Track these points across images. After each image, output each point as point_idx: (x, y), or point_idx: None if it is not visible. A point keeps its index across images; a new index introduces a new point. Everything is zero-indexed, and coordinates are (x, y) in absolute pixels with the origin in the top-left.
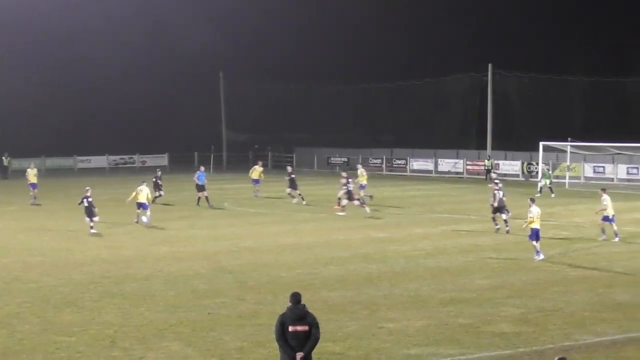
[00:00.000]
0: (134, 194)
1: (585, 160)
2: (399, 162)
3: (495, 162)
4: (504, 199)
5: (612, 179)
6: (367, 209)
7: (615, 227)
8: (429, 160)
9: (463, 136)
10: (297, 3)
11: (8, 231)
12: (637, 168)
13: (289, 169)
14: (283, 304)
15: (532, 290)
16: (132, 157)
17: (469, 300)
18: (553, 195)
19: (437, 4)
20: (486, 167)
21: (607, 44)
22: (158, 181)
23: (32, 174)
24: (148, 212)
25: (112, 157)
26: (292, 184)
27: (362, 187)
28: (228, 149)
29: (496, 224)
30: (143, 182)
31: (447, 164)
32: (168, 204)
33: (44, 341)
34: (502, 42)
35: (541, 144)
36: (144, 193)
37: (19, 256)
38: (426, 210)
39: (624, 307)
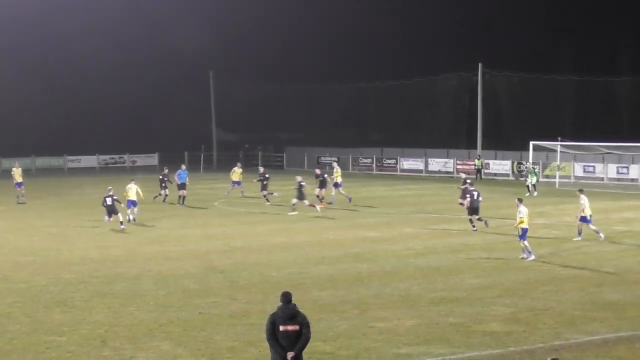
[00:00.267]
0: (124, 193)
1: (575, 160)
2: (389, 161)
3: (486, 161)
4: (480, 199)
5: (602, 179)
6: (318, 207)
7: (593, 227)
8: (419, 159)
9: (453, 136)
10: (287, 2)
11: None
12: (627, 167)
13: (261, 169)
14: (274, 304)
15: (522, 290)
16: (122, 157)
17: (459, 300)
18: (535, 193)
19: (426, 4)
20: (476, 167)
21: (597, 44)
22: (165, 179)
23: (17, 173)
24: (135, 210)
25: (102, 157)
26: (263, 185)
27: (337, 184)
28: (218, 149)
29: (473, 226)
30: (132, 180)
31: (437, 164)
32: (160, 204)
33: (34, 341)
34: (492, 42)
35: (531, 143)
36: (133, 191)
37: (9, 256)
38: (417, 210)
39: (614, 306)
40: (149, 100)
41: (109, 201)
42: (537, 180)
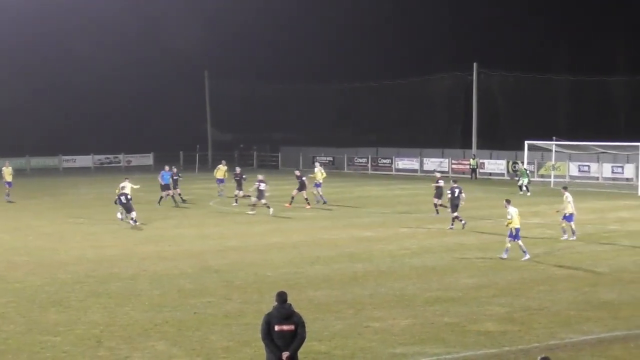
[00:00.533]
0: (117, 190)
1: (570, 159)
2: (384, 161)
3: (481, 161)
4: (461, 196)
5: (597, 178)
6: (271, 210)
7: (572, 226)
8: (414, 159)
9: (448, 135)
10: (282, 3)
11: None
12: (622, 167)
13: (238, 169)
14: (269, 303)
15: (517, 289)
16: (117, 157)
17: (454, 299)
18: (529, 194)
19: (422, 3)
20: (471, 166)
21: (592, 43)
22: (174, 178)
23: (7, 173)
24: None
25: (97, 157)
26: (238, 184)
27: (317, 185)
28: (213, 148)
29: (452, 223)
30: (126, 178)
31: (432, 163)
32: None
33: (29, 341)
34: (487, 41)
35: (526, 143)
36: (127, 189)
37: (4, 256)
38: (412, 210)
39: (609, 306)
40: (144, 100)
41: (123, 199)
42: (529, 181)
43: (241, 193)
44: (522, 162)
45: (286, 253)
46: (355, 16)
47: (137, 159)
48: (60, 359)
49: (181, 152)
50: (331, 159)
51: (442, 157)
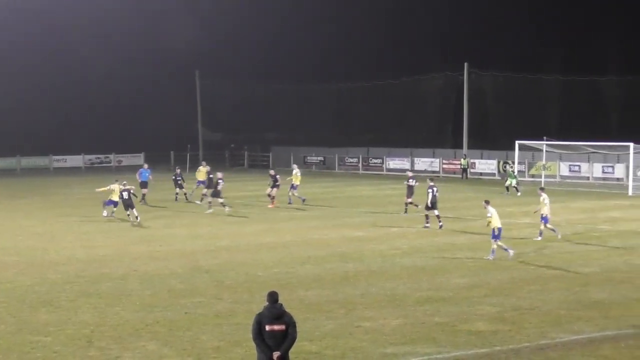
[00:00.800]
0: (105, 188)
1: (561, 159)
2: (375, 161)
3: (471, 161)
4: (437, 195)
5: (588, 178)
6: (227, 208)
7: (543, 227)
8: (405, 159)
9: (439, 135)
10: (274, 3)
11: None
12: (613, 167)
13: (177, 170)
14: (260, 303)
15: (508, 289)
16: (107, 157)
17: (445, 299)
18: (519, 194)
19: (413, 3)
20: (462, 166)
21: (583, 43)
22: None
23: None
24: (113, 208)
25: (87, 157)
26: (210, 184)
27: (293, 187)
28: (204, 148)
29: (427, 221)
30: (116, 180)
31: (423, 163)
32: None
33: (19, 341)
34: (478, 42)
35: (517, 142)
36: (117, 192)
37: None
38: (402, 209)
39: (600, 306)
40: (135, 100)
41: (125, 195)
42: (518, 182)
43: (208, 191)
44: (510, 163)
45: (277, 253)
46: (347, 16)
47: (128, 159)
48: (50, 359)
49: (172, 152)
50: (322, 158)
51: (433, 157)
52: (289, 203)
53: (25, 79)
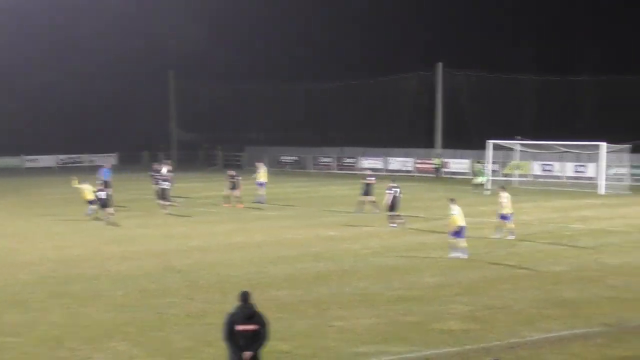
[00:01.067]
0: (78, 185)
1: (533, 159)
2: (349, 160)
3: (445, 160)
4: (399, 197)
5: (560, 177)
6: (167, 210)
7: (511, 225)
8: (379, 158)
9: (413, 135)
10: (249, 2)
11: None
12: (585, 166)
13: (169, 167)
14: (232, 303)
15: (479, 288)
16: (80, 157)
17: (417, 298)
18: (487, 193)
19: (386, 3)
20: (436, 166)
21: (557, 43)
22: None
23: None
24: (92, 207)
25: (60, 157)
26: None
27: (260, 184)
28: (178, 148)
29: (392, 222)
30: (78, 180)
31: (397, 163)
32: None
33: None
34: (452, 42)
35: (490, 142)
36: (89, 191)
37: None
38: (375, 208)
39: (570, 304)
40: (108, 100)
41: (102, 195)
42: (487, 180)
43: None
44: (481, 162)
45: (249, 253)
46: (322, 16)
47: (100, 159)
48: None
49: (145, 152)
50: (296, 158)
51: (407, 156)
52: (255, 202)
53: None
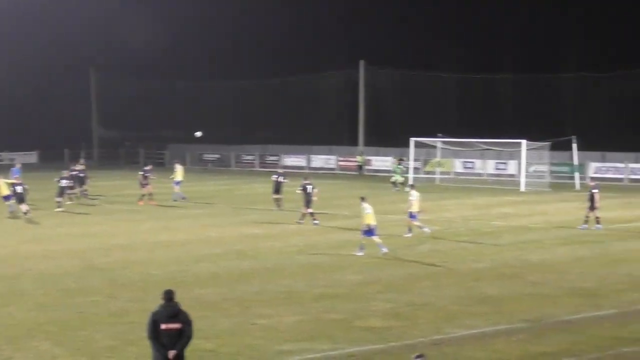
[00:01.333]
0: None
1: (455, 156)
2: (272, 158)
3: (368, 158)
4: (312, 193)
5: (481, 174)
6: (60, 208)
7: (411, 223)
8: (302, 156)
9: (336, 132)
10: None
11: None
12: (506, 163)
13: (76, 166)
14: (155, 302)
15: (402, 285)
16: (0, 155)
17: (340, 296)
18: (397, 189)
19: (310, 1)
20: (359, 163)
21: (478, 42)
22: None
23: None
24: (11, 201)
25: None
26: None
27: (176, 183)
28: (100, 146)
29: (314, 219)
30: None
31: (320, 160)
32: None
33: None
34: (375, 39)
35: (412, 139)
36: (5, 186)
37: None
38: (298, 206)
39: (492, 301)
40: (27, 96)
41: (19, 189)
42: (405, 178)
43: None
44: (401, 160)
45: (173, 251)
46: (244, 14)
47: (20, 157)
48: None
49: (66, 150)
50: (219, 156)
51: (330, 154)
52: (174, 200)
53: None
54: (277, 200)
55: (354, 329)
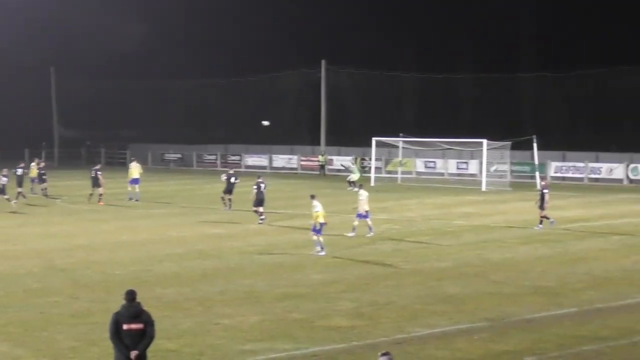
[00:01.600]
0: None
1: (416, 156)
2: (234, 157)
3: (329, 157)
4: (264, 192)
5: (443, 174)
6: (14, 205)
7: (369, 222)
8: (264, 156)
9: (297, 132)
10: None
11: None
12: (467, 163)
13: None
14: (117, 302)
15: (365, 285)
16: None
17: (303, 295)
18: (350, 188)
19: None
20: (320, 163)
21: (438, 42)
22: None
23: None
24: None
25: None
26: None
27: (135, 181)
28: (60, 146)
29: (261, 217)
30: None
31: (281, 160)
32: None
33: None
34: (335, 39)
35: (373, 139)
36: None
37: None
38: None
39: (454, 300)
40: None
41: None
42: (360, 176)
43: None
44: (357, 159)
45: (134, 251)
46: (204, 13)
47: None
48: None
49: (26, 150)
50: (180, 156)
51: (292, 153)
52: (129, 199)
53: None
54: (224, 199)
55: (317, 328)
